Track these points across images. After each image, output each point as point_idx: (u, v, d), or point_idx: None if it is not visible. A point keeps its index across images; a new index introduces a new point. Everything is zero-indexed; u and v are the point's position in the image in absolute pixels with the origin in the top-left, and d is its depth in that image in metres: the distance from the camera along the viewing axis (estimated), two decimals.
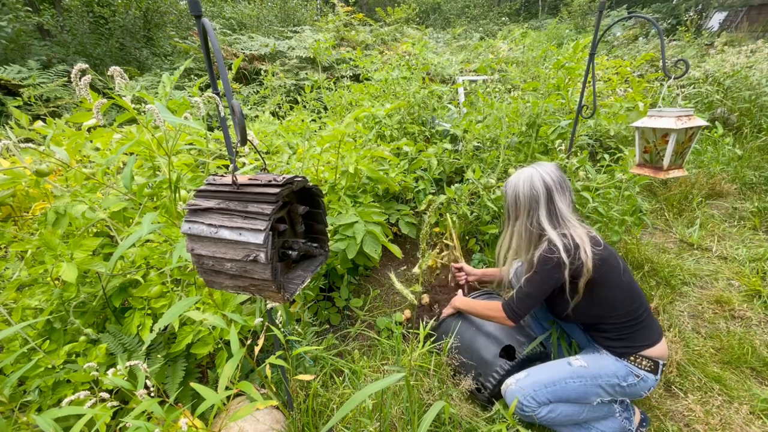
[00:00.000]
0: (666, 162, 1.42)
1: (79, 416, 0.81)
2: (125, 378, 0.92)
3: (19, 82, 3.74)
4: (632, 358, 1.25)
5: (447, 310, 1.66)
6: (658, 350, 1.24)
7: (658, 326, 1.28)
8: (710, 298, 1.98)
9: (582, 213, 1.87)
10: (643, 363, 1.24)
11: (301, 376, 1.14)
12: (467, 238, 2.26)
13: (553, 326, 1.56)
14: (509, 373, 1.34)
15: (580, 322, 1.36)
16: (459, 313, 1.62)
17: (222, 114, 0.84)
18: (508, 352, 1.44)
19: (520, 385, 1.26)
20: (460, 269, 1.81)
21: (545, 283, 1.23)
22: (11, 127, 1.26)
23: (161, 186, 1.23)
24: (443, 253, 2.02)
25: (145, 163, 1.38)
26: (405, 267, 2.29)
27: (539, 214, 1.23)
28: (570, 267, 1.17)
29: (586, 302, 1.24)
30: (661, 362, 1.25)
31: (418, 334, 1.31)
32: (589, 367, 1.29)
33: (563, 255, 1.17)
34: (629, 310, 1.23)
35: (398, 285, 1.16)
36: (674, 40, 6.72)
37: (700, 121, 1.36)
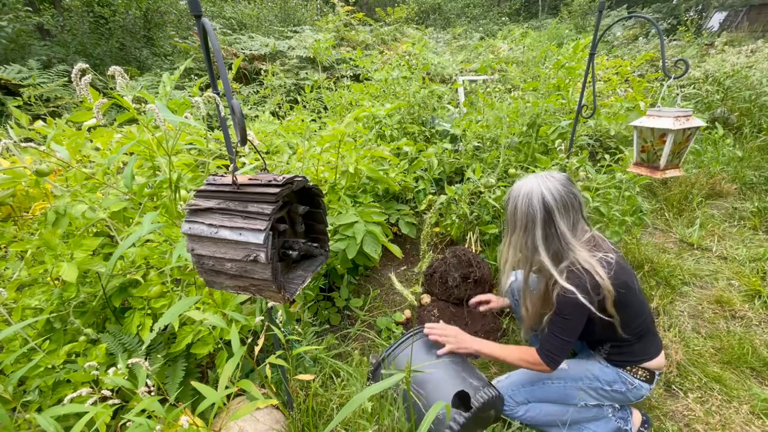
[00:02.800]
0: (663, 162, 1.42)
1: (80, 415, 0.81)
2: (125, 377, 0.92)
3: (19, 82, 3.74)
4: (629, 368, 1.24)
5: (450, 348, 1.32)
6: (656, 363, 1.23)
7: (659, 340, 1.25)
8: (710, 298, 1.98)
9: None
10: (639, 373, 1.22)
11: (301, 376, 1.14)
12: (467, 238, 2.26)
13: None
14: (464, 427, 1.14)
15: (585, 341, 1.33)
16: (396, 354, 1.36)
17: (222, 114, 0.84)
18: (462, 399, 1.21)
19: (499, 386, 1.28)
20: (487, 301, 1.63)
21: (577, 324, 1.14)
22: (11, 127, 1.26)
23: (161, 186, 1.22)
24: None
25: (145, 162, 1.38)
26: (405, 267, 2.29)
27: (535, 234, 1.13)
28: (595, 299, 1.08)
29: (603, 324, 1.17)
30: (657, 372, 1.24)
31: None
32: (570, 369, 1.29)
33: (580, 293, 1.07)
34: (635, 328, 1.19)
35: (398, 285, 1.15)
36: (674, 40, 6.71)
37: (697, 122, 1.36)
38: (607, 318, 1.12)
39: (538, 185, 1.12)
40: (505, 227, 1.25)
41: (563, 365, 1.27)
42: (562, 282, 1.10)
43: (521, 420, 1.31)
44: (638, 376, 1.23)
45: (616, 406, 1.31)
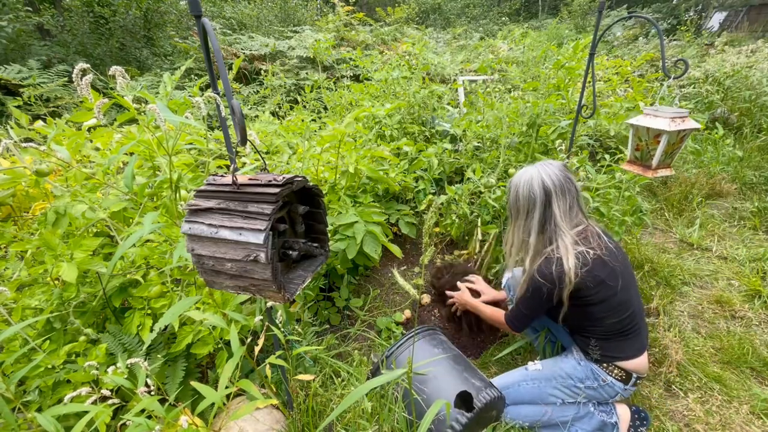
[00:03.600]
0: (655, 161, 1.43)
1: (80, 415, 0.81)
2: (125, 377, 0.92)
3: (19, 82, 3.74)
4: (605, 364, 1.25)
5: (453, 300, 1.74)
6: (634, 365, 1.23)
7: (642, 343, 1.26)
8: (710, 298, 1.98)
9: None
10: (615, 372, 1.25)
11: (301, 376, 1.14)
12: (467, 238, 2.26)
13: (543, 330, 1.55)
14: (466, 428, 1.15)
15: (566, 325, 1.36)
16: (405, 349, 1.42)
17: (222, 114, 0.84)
18: (464, 399, 1.22)
19: None
20: (478, 293, 1.72)
21: (537, 304, 1.26)
22: (11, 127, 1.26)
23: (162, 186, 1.23)
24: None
25: (145, 162, 1.38)
26: (405, 267, 2.29)
27: (534, 217, 1.21)
28: (558, 288, 1.16)
29: (574, 312, 1.24)
30: (635, 375, 1.25)
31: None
32: (544, 369, 1.35)
33: (546, 281, 1.16)
34: (615, 325, 1.22)
35: (400, 280, 1.15)
36: (674, 40, 6.72)
37: (693, 124, 1.36)
38: (567, 306, 1.19)
39: (537, 172, 1.20)
40: (509, 216, 1.33)
41: (538, 365, 1.35)
42: (532, 265, 1.22)
43: (504, 423, 1.34)
44: (613, 374, 1.25)
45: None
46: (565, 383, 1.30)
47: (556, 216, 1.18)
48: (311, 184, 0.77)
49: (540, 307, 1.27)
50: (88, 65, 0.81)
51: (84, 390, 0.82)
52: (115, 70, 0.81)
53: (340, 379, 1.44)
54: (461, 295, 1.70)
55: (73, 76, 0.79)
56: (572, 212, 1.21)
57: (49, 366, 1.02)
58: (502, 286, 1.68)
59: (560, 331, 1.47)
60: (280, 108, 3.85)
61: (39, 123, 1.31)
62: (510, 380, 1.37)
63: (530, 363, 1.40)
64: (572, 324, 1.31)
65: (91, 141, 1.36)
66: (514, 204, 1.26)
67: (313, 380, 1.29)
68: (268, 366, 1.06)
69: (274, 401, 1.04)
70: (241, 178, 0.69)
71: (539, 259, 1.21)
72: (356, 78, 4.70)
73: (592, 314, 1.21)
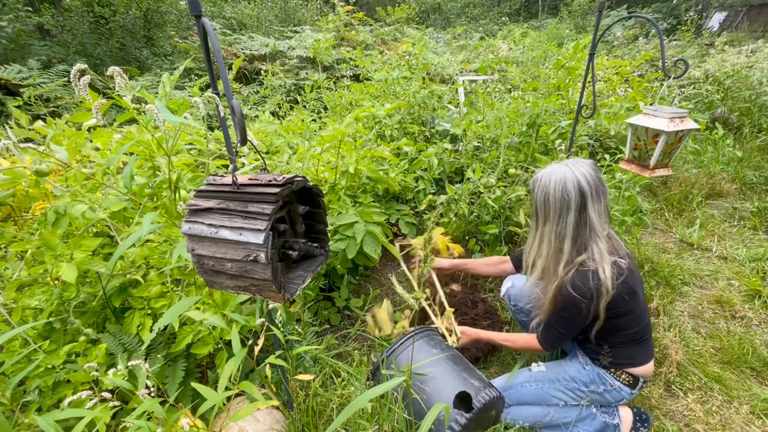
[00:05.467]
0: (653, 161, 1.43)
1: (80, 417, 0.81)
2: (125, 378, 0.92)
3: (19, 82, 3.74)
4: (613, 369, 1.24)
5: (465, 340, 1.47)
6: (642, 370, 1.22)
7: (651, 348, 1.25)
8: (710, 298, 1.98)
9: None
10: (623, 377, 1.23)
11: (301, 376, 1.14)
12: (467, 238, 2.26)
13: None
14: (465, 428, 1.14)
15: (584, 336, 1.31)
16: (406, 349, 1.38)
17: (222, 114, 0.84)
18: (463, 400, 1.22)
19: None
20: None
21: (576, 323, 1.18)
22: (11, 127, 1.26)
23: (161, 186, 1.22)
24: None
25: (145, 163, 1.38)
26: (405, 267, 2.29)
27: (567, 222, 1.08)
28: (595, 301, 1.09)
29: (596, 325, 1.18)
30: (642, 380, 1.24)
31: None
32: (547, 371, 1.33)
33: (583, 298, 1.08)
34: (635, 333, 1.19)
35: (399, 288, 1.14)
36: (674, 40, 6.72)
37: (692, 124, 1.36)
38: (603, 320, 1.13)
39: (571, 171, 1.08)
40: (534, 219, 1.18)
41: (541, 367, 1.34)
42: (565, 280, 1.11)
43: (506, 422, 1.34)
44: (621, 380, 1.23)
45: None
46: (569, 386, 1.28)
47: (592, 220, 1.07)
48: (311, 184, 0.77)
49: (578, 324, 1.17)
50: (86, 66, 0.81)
51: (84, 393, 0.82)
52: (114, 70, 0.81)
53: (340, 379, 1.44)
54: (468, 334, 1.47)
55: (71, 76, 0.78)
56: (605, 215, 1.11)
57: (49, 366, 1.02)
58: (501, 295, 1.63)
59: None
60: (280, 108, 3.84)
61: (39, 123, 1.31)
62: (513, 381, 1.37)
63: (533, 364, 1.39)
64: (594, 336, 1.24)
65: (91, 141, 1.36)
66: (543, 206, 1.12)
67: (313, 380, 1.29)
68: (268, 366, 1.06)
69: (275, 402, 1.04)
70: (241, 178, 0.69)
71: (571, 269, 1.11)
72: (356, 78, 4.70)
73: (617, 325, 1.16)
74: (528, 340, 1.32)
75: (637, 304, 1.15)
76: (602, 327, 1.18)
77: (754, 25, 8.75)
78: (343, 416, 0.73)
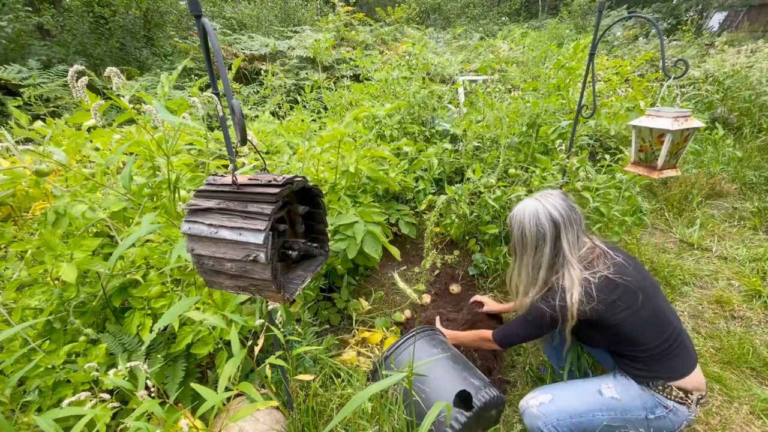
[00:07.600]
0: (660, 162, 1.42)
1: (79, 416, 0.81)
2: (125, 378, 0.92)
3: (19, 82, 3.74)
4: (660, 387, 1.13)
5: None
6: (689, 382, 1.11)
7: (690, 356, 1.15)
8: (710, 298, 1.98)
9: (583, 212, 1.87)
10: (673, 393, 1.11)
11: (300, 377, 1.14)
12: (467, 238, 2.26)
13: (569, 354, 1.42)
14: (465, 427, 1.15)
15: (608, 352, 1.26)
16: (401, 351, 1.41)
17: (222, 114, 0.84)
18: (463, 399, 1.22)
19: (542, 411, 1.17)
20: (480, 304, 1.77)
21: (534, 331, 1.25)
22: (11, 127, 1.26)
23: (161, 186, 1.22)
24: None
25: (144, 163, 1.38)
26: (405, 267, 2.29)
27: (544, 252, 1.17)
28: (560, 320, 1.15)
29: (600, 336, 1.18)
30: (696, 394, 1.12)
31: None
32: (622, 399, 1.16)
33: (549, 309, 1.14)
34: (652, 343, 1.13)
35: (401, 284, 1.14)
36: (674, 40, 6.72)
37: (696, 123, 1.36)
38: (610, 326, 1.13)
39: (541, 204, 1.16)
40: (513, 253, 1.27)
41: (614, 393, 1.18)
42: (536, 298, 1.21)
43: None
44: (672, 397, 1.12)
45: None
46: (640, 416, 1.14)
47: (564, 249, 1.15)
48: (311, 184, 0.77)
49: (536, 332, 1.24)
50: (83, 67, 0.81)
51: (83, 394, 0.82)
52: (111, 71, 0.81)
53: (339, 380, 1.44)
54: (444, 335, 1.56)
55: (69, 77, 0.78)
56: (579, 242, 1.17)
57: (49, 366, 1.02)
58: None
59: (600, 354, 1.36)
60: (280, 108, 3.84)
61: (39, 123, 1.31)
62: (584, 407, 1.17)
63: (603, 385, 1.19)
64: (611, 350, 1.22)
65: (91, 141, 1.36)
66: (520, 240, 1.21)
67: (313, 380, 1.29)
68: (268, 366, 1.06)
69: (275, 402, 1.04)
70: (241, 178, 0.69)
71: (544, 289, 1.20)
72: (356, 78, 4.70)
73: (621, 337, 1.14)
74: (479, 333, 1.40)
75: (628, 311, 1.11)
76: (610, 338, 1.17)
77: (754, 25, 8.75)
78: (343, 413, 0.73)
